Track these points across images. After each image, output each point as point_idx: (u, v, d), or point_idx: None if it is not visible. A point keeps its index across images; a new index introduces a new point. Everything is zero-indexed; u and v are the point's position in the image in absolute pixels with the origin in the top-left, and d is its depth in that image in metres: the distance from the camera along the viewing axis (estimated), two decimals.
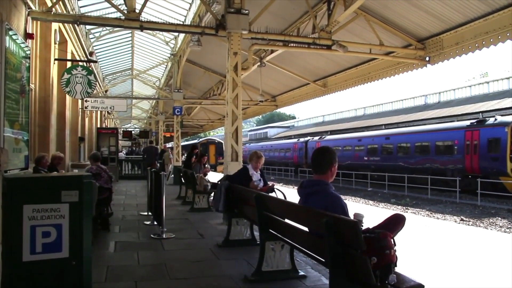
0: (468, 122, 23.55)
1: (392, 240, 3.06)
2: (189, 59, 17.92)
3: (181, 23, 14.99)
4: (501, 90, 36.52)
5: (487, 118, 23.03)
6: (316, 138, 40.95)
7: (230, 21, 8.75)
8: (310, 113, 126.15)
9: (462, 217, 15.59)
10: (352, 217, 3.11)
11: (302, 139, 43.85)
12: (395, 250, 3.05)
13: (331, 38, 9.87)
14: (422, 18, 9.89)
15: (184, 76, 19.88)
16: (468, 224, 14.05)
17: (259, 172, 7.01)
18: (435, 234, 10.71)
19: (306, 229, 3.87)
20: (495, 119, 21.78)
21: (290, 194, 6.77)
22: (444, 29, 9.99)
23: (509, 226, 13.84)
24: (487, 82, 39.93)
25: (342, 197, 3.60)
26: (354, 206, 15.89)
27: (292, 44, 10.67)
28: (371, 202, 20.84)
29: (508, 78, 37.94)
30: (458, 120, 29.22)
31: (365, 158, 31.93)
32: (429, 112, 38.63)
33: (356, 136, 35.10)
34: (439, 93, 44.15)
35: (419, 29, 10.44)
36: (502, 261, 7.79)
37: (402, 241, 3.64)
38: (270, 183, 7.04)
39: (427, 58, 10.73)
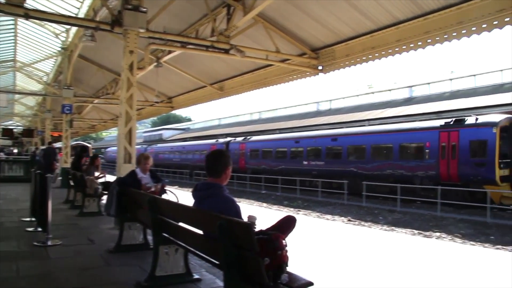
0: (442, 121, 20.43)
1: (284, 241, 3.15)
2: (82, 54, 16.93)
3: (74, 15, 14.10)
4: (384, 100, 39.70)
5: (464, 117, 19.82)
6: (240, 138, 37.25)
7: (127, 18, 8.42)
8: (207, 115, 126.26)
9: (349, 217, 16.53)
10: (245, 220, 3.16)
11: (222, 140, 40.18)
12: (286, 251, 3.14)
13: (230, 42, 9.97)
14: (317, 29, 10.38)
15: (75, 72, 18.72)
16: (355, 224, 14.95)
17: (148, 173, 6.84)
18: (325, 234, 11.29)
19: (200, 232, 3.84)
20: (476, 118, 18.89)
21: (185, 197, 6.69)
22: (336, 41, 10.59)
23: (389, 224, 15.00)
24: (373, 93, 43.20)
25: (237, 199, 3.63)
26: (248, 208, 16.20)
27: (190, 46, 10.58)
28: (264, 204, 21.35)
29: (390, 90, 41.41)
30: (347, 127, 30.74)
31: (305, 163, 27.94)
32: (321, 118, 40.64)
33: (293, 137, 30.90)
34: (331, 100, 46.72)
35: (314, 39, 10.95)
36: (383, 254, 8.44)
37: (294, 242, 3.77)
38: (158, 185, 6.86)
39: (320, 67, 11.30)
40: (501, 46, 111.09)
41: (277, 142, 31.80)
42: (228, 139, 38.84)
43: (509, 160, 18.00)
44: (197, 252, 3.98)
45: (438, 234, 13.23)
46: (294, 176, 26.54)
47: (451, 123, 19.59)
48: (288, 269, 3.14)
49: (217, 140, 40.89)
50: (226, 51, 10.14)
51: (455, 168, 18.76)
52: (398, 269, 7.25)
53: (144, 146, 56.76)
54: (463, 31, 7.57)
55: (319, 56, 11.16)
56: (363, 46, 9.89)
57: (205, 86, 16.41)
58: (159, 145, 56.88)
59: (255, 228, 3.15)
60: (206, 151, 37.63)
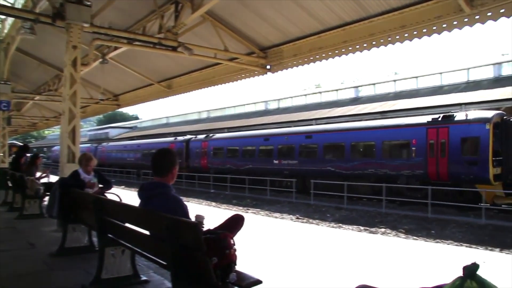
0: (429, 118, 19.24)
1: (232, 240, 3.15)
2: (20, 48, 16.05)
3: (10, 4, 13.37)
4: (331, 100, 40.60)
5: (453, 113, 19.02)
6: (201, 136, 34.78)
7: (70, 11, 8.07)
8: (155, 113, 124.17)
9: (298, 215, 16.75)
10: (193, 219, 3.13)
11: (181, 138, 37.42)
12: (235, 250, 3.14)
13: (177, 40, 9.83)
14: (265, 28, 10.44)
15: (13, 66, 17.73)
16: (303, 222, 15.18)
17: (92, 174, 6.61)
18: (274, 232, 11.40)
19: (147, 232, 3.77)
20: (466, 114, 18.00)
21: (132, 197, 6.54)
22: (284, 41, 10.69)
23: (336, 221, 15.34)
24: (320, 93, 44.05)
25: (185, 199, 3.59)
26: (197, 208, 16.08)
27: (137, 43, 10.35)
28: (213, 203, 21.28)
29: (337, 90, 42.37)
30: (295, 126, 31.09)
31: (276, 162, 26.03)
32: (269, 117, 40.94)
33: (262, 134, 28.87)
34: (279, 100, 47.22)
35: (262, 38, 11.00)
36: (331, 251, 8.62)
37: (242, 240, 3.77)
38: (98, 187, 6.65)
39: (268, 66, 11.37)
40: (441, 50, 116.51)
41: (244, 140, 29.71)
42: (188, 137, 36.56)
43: (501, 158, 17.19)
44: (144, 253, 3.90)
45: (383, 230, 13.68)
46: (263, 176, 25.04)
47: (439, 119, 18.54)
48: (237, 268, 3.14)
49: (175, 138, 38.46)
50: (174, 49, 10.00)
51: (444, 166, 17.77)
52: (345, 265, 7.43)
53: (95, 144, 54.33)
54: (406, 35, 7.86)
55: (267, 55, 11.23)
56: (311, 46, 10.05)
57: (152, 84, 16.10)
58: (111, 143, 53.87)
59: (203, 227, 3.13)
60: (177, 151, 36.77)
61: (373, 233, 12.99)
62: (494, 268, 7.46)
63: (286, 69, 10.92)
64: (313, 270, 7.00)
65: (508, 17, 5.62)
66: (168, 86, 15.52)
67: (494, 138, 16.89)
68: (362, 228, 13.96)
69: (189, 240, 3.02)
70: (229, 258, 3.03)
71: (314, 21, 9.47)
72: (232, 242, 3.14)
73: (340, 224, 14.68)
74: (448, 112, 19.38)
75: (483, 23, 6.07)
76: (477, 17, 6.16)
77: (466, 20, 6.36)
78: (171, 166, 3.56)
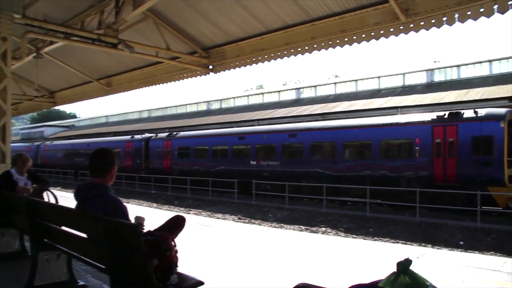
0: (434, 115, 17.91)
1: (172, 241, 3.10)
2: None
3: None
4: (273, 101, 41.10)
5: (460, 110, 17.55)
6: (163, 135, 32.00)
7: None
8: (94, 112, 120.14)
9: (240, 215, 16.80)
10: (133, 221, 3.05)
11: (138, 137, 34.51)
12: (176, 251, 3.10)
13: (118, 36, 9.55)
14: (208, 28, 10.36)
15: None
16: (245, 222, 15.24)
17: (26, 175, 6.27)
18: (215, 232, 11.35)
19: (84, 235, 3.63)
20: (476, 111, 16.68)
21: (68, 198, 6.27)
22: (227, 41, 10.66)
23: (278, 221, 15.53)
24: (262, 94, 44.48)
25: (125, 200, 3.50)
26: (137, 209, 15.72)
27: (75, 38, 9.92)
28: (154, 204, 20.90)
29: (279, 92, 42.95)
30: (237, 126, 31.08)
31: (253, 163, 23.85)
32: (211, 118, 40.80)
33: (237, 133, 26.40)
34: (221, 100, 47.19)
35: (205, 38, 10.91)
36: (272, 250, 8.70)
37: (183, 241, 3.72)
38: (37, 186, 6.34)
39: (211, 67, 11.31)
40: (379, 55, 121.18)
41: (215, 139, 27.34)
42: (148, 135, 33.99)
43: None
44: (82, 257, 3.76)
45: (323, 229, 14.00)
46: (238, 178, 22.89)
47: (446, 116, 17.23)
48: (178, 269, 3.09)
49: (132, 137, 35.24)
50: (114, 46, 9.70)
51: (453, 167, 16.47)
52: (286, 264, 7.53)
53: (37, 143, 50.61)
54: (346, 39, 8.08)
55: (209, 55, 11.16)
56: (253, 47, 10.09)
57: (91, 82, 15.52)
58: (56, 142, 50.04)
59: (143, 229, 3.07)
60: (120, 149, 34.24)
61: (314, 232, 13.26)
62: (427, 262, 7.85)
63: (229, 69, 10.91)
64: (255, 270, 7.04)
65: (439, 28, 5.93)
66: (107, 84, 15.03)
67: (508, 136, 15.85)
68: (303, 227, 14.22)
69: (129, 242, 2.94)
70: (170, 259, 2.99)
71: (257, 23, 9.53)
72: (173, 244, 3.10)
73: (282, 224, 14.87)
74: (454, 111, 17.70)
75: (416, 31, 6.37)
76: (411, 25, 6.45)
77: (401, 27, 6.63)
78: (110, 166, 3.45)
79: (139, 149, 32.89)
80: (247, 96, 45.66)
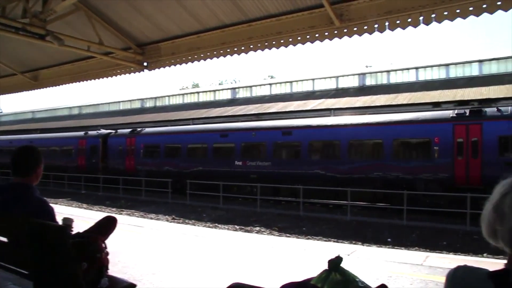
0: (452, 112, 17.00)
1: (103, 243, 2.98)
2: None
3: None
4: (209, 100, 40.97)
5: (481, 108, 16.92)
6: (125, 131, 28.87)
7: None
8: (19, 107, 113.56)
9: (173, 216, 16.57)
10: (60, 223, 2.89)
11: (93, 133, 31.23)
12: (106, 253, 2.98)
13: (46, 27, 9.06)
14: (143, 24, 10.10)
15: None
16: (179, 222, 15.05)
17: None
18: (148, 233, 11.09)
19: (5, 239, 3.39)
20: (499, 109, 16.01)
21: None
22: (162, 38, 10.44)
23: (212, 221, 15.46)
24: (198, 93, 44.19)
25: (53, 201, 3.31)
26: (66, 210, 15.05)
27: None
28: (85, 205, 20.10)
29: (214, 91, 42.86)
30: (172, 125, 30.51)
31: (238, 163, 21.69)
32: (145, 116, 39.94)
33: (217, 129, 23.95)
34: (156, 98, 46.32)
35: (139, 34, 10.62)
36: (206, 250, 8.64)
37: (115, 243, 3.59)
38: None
39: (146, 63, 11.04)
40: (314, 58, 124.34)
41: (191, 136, 24.56)
42: (105, 131, 30.56)
43: None
44: (1, 263, 3.50)
45: (258, 228, 14.11)
46: (219, 180, 20.28)
47: (467, 114, 16.33)
48: (109, 272, 2.98)
49: (86, 133, 31.61)
50: (42, 37, 9.17)
51: (477, 169, 15.50)
52: (220, 264, 7.50)
53: None
54: (282, 41, 8.17)
55: (144, 52, 10.88)
56: (190, 45, 9.97)
57: (15, 74, 14.59)
58: None
59: (71, 231, 2.92)
60: (71, 147, 31.33)
61: (248, 232, 13.33)
62: (358, 259, 8.13)
63: (164, 67, 10.70)
64: (188, 270, 6.95)
65: (370, 34, 6.17)
66: (34, 78, 14.19)
67: None
68: (237, 227, 14.27)
69: (55, 245, 2.78)
70: (100, 262, 2.87)
71: (193, 21, 9.42)
72: (103, 246, 2.98)
73: (216, 224, 14.84)
74: (479, 107, 17.12)
75: (350, 37, 6.57)
76: (345, 30, 6.64)
77: (336, 32, 6.82)
78: (36, 165, 3.23)
79: (96, 147, 29.51)
80: (183, 95, 45.20)
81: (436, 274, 6.88)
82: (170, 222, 15.10)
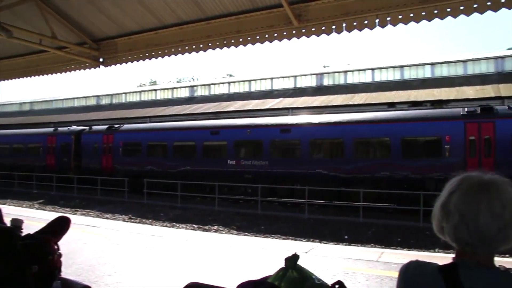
0: (462, 110, 16.51)
1: (55, 244, 2.86)
2: None
3: None
4: (167, 98, 40.46)
5: (492, 106, 16.51)
6: (100, 127, 27.05)
7: None
8: None
9: (130, 215, 16.28)
10: (9, 224, 2.76)
11: (64, 129, 28.88)
12: (59, 255, 2.87)
13: None
14: (99, 19, 9.82)
15: None
16: (136, 222, 14.81)
17: None
18: (104, 233, 10.84)
19: None
20: (510, 107, 15.88)
21: None
22: (119, 34, 10.19)
23: (170, 220, 15.27)
24: (155, 90, 43.53)
25: (0, 201, 3.15)
26: (16, 210, 14.50)
27: None
28: (37, 205, 19.40)
29: (172, 89, 42.35)
30: (128, 123, 29.78)
31: (231, 162, 20.38)
32: (102, 113, 39.02)
33: (206, 126, 22.29)
34: (112, 95, 45.29)
35: (95, 28, 10.32)
36: (163, 249, 8.53)
37: (69, 244, 3.46)
38: None
39: (101, 59, 10.75)
40: (273, 57, 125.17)
41: (178, 134, 22.94)
42: (78, 128, 28.45)
43: None
44: None
45: (216, 227, 14.06)
46: (210, 180, 19.61)
47: (478, 112, 15.97)
48: (62, 274, 2.87)
49: (55, 129, 29.23)
50: None
51: (489, 168, 14.01)
52: (177, 263, 7.42)
53: None
54: (240, 39, 8.16)
55: (100, 47, 10.59)
56: (147, 42, 9.80)
57: None
58: None
59: (21, 232, 2.79)
60: (38, 145, 28.99)
61: (207, 231, 13.27)
62: (315, 256, 8.24)
63: (120, 63, 10.45)
64: (145, 270, 6.84)
65: (328, 34, 6.26)
66: None
67: None
68: (195, 226, 14.17)
69: (3, 248, 2.65)
70: (52, 264, 2.75)
71: (151, 17, 9.26)
72: (56, 247, 2.86)
73: (174, 223, 14.68)
74: (487, 105, 16.73)
75: (308, 37, 6.64)
76: (303, 30, 6.71)
77: (294, 32, 6.87)
78: None
79: (67, 145, 27.24)
80: (140, 92, 44.40)
81: (391, 269, 7.08)
82: (127, 221, 14.84)
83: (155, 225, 14.18)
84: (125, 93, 44.74)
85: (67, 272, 2.95)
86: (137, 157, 24.09)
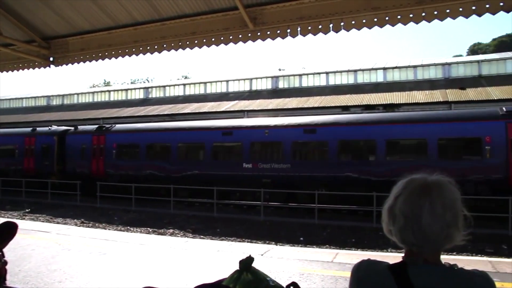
0: (500, 109, 15.91)
1: (0, 251, 2.75)
2: None
3: None
4: (121, 99, 39.67)
5: None
6: (88, 127, 24.97)
7: None
8: None
9: (82, 219, 15.84)
10: None
11: (44, 129, 26.51)
12: (4, 262, 2.76)
13: None
14: (49, 16, 9.50)
15: None
16: (88, 226, 14.43)
17: None
18: (55, 238, 10.47)
19: None
20: None
21: None
22: (71, 32, 9.90)
23: (124, 224, 14.96)
24: (109, 91, 42.58)
25: None
26: None
27: None
28: None
29: (127, 90, 41.56)
30: (81, 124, 28.97)
31: (247, 166, 18.71)
32: (52, 114, 37.77)
33: (218, 126, 20.46)
34: (63, 95, 43.95)
35: (45, 26, 9.98)
36: (117, 254, 8.34)
37: (16, 251, 3.33)
38: None
39: (52, 59, 10.41)
40: (228, 59, 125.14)
41: (183, 134, 20.95)
42: (60, 128, 26.20)
43: None
44: None
45: (171, 230, 13.90)
46: (221, 186, 17.94)
47: None
48: (7, 283, 2.76)
49: (34, 130, 26.74)
50: None
51: None
52: (132, 267, 7.28)
53: None
54: (196, 41, 8.11)
55: (50, 46, 10.24)
56: (100, 42, 9.56)
57: None
58: None
59: None
60: (14, 146, 26.44)
61: (162, 234, 13.09)
62: (271, 258, 8.29)
63: (72, 63, 10.14)
64: (98, 276, 6.66)
65: (283, 38, 6.32)
66: None
67: None
68: (150, 229, 13.95)
69: None
70: None
71: (104, 16, 9.04)
72: (0, 254, 2.74)
73: (128, 227, 14.42)
74: None
75: (263, 40, 6.69)
76: (258, 33, 6.75)
77: (249, 35, 6.90)
78: None
79: (49, 147, 24.86)
80: (93, 93, 43.35)
81: (345, 270, 7.23)
82: (79, 226, 14.43)
83: (109, 229, 13.87)
84: (77, 94, 43.55)
85: (13, 280, 2.84)
86: (134, 161, 22.02)
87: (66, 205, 20.06)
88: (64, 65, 10.39)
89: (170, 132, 21.40)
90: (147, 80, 79.77)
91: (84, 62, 10.03)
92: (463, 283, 1.33)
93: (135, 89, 41.81)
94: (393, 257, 8.14)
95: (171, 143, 20.90)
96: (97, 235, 11.29)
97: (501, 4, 4.20)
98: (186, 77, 73.82)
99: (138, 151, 21.98)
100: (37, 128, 27.20)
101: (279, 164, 18.17)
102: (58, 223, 14.94)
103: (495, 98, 23.57)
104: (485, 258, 9.10)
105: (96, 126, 24.57)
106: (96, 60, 9.89)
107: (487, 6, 4.28)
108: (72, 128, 25.51)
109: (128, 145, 22.52)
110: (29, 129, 27.47)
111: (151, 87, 40.75)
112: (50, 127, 26.81)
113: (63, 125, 28.14)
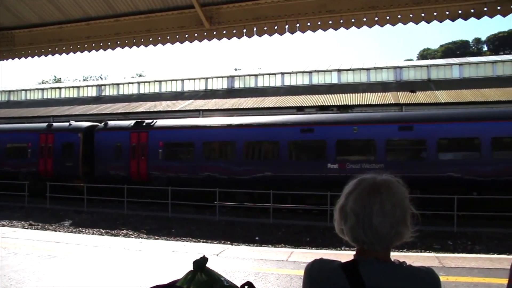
0: None
1: None
2: None
3: None
4: (72, 97, 38.49)
5: None
6: (123, 123, 21.77)
7: None
8: None
9: (31, 221, 15.24)
10: None
11: (64, 125, 22.64)
12: None
13: None
14: None
15: None
16: (37, 228, 13.89)
17: None
18: (2, 243, 10.01)
19: None
20: None
21: None
22: (17, 25, 9.50)
23: (75, 226, 14.52)
24: (60, 88, 41.16)
25: None
26: None
27: None
28: None
29: (78, 87, 40.36)
30: (29, 122, 27.92)
31: (333, 166, 16.54)
32: None
33: (295, 122, 18.24)
34: (9, 91, 42.11)
35: None
36: (68, 256, 8.07)
37: None
38: None
39: None
40: (184, 58, 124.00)
41: (250, 131, 18.37)
42: (85, 123, 22.74)
43: None
44: None
45: (125, 231, 13.61)
46: (299, 189, 16.40)
47: None
48: None
49: (50, 126, 22.87)
50: None
51: None
52: (83, 271, 7.07)
53: None
54: (150, 39, 7.98)
55: None
56: (50, 36, 9.23)
57: None
58: None
59: None
60: (26, 145, 22.43)
61: (115, 235, 12.80)
62: (226, 258, 8.26)
63: (19, 57, 9.73)
64: (46, 281, 6.42)
65: (239, 38, 6.34)
66: None
67: None
68: (103, 231, 13.61)
69: None
70: None
71: (54, 9, 8.73)
72: None
73: (80, 228, 14.00)
74: None
75: (219, 39, 6.68)
76: (214, 33, 6.73)
77: (205, 34, 6.87)
78: None
79: (72, 145, 21.40)
80: (42, 89, 41.71)
81: (300, 269, 7.30)
82: (27, 228, 13.84)
83: (59, 231, 13.42)
84: (25, 90, 41.80)
85: None
86: (188, 161, 19.43)
87: (13, 207, 19.10)
88: (10, 60, 9.96)
89: (232, 128, 18.82)
90: (100, 77, 77.82)
91: (32, 57, 9.63)
92: (411, 279, 1.39)
93: (87, 86, 40.61)
94: (347, 255, 8.31)
95: (236, 140, 18.33)
96: (47, 237, 10.89)
97: (447, 12, 4.38)
98: (140, 75, 72.58)
99: (192, 150, 19.34)
100: (54, 124, 23.61)
101: (371, 164, 16.26)
102: (3, 225, 14.27)
103: (443, 102, 24.55)
104: (432, 254, 9.45)
105: (134, 121, 21.38)
106: (46, 55, 9.52)
107: (435, 13, 4.45)
108: (102, 123, 21.90)
109: (180, 144, 19.90)
110: (45, 124, 23.48)
111: (105, 85, 39.75)
112: (69, 123, 22.91)
113: (9, 123, 26.80)
